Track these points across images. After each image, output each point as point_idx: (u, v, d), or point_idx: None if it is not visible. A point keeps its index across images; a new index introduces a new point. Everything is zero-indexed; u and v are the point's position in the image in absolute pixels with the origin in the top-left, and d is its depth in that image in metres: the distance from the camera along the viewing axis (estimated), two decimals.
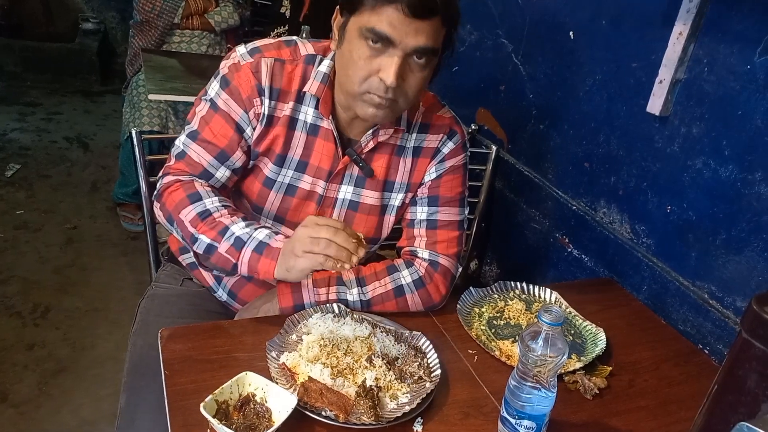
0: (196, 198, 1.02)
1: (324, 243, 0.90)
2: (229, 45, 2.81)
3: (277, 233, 1.00)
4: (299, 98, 1.06)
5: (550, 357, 0.80)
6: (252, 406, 0.85)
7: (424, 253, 1.14)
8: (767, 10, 1.06)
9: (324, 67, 1.05)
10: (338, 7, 0.98)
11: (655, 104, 1.25)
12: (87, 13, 4.53)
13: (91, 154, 3.38)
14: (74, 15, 4.51)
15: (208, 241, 0.99)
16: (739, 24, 1.11)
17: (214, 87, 1.05)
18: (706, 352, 1.18)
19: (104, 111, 3.98)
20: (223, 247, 0.99)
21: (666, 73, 1.21)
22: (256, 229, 1.00)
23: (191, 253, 1.11)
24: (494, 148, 1.81)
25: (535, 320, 1.17)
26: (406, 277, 1.11)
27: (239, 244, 0.98)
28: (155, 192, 1.09)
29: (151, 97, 2.03)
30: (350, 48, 0.95)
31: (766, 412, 0.66)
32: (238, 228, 0.99)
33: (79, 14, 4.51)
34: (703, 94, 1.19)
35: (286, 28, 2.89)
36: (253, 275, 0.99)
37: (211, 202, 1.02)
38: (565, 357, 0.81)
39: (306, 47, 1.07)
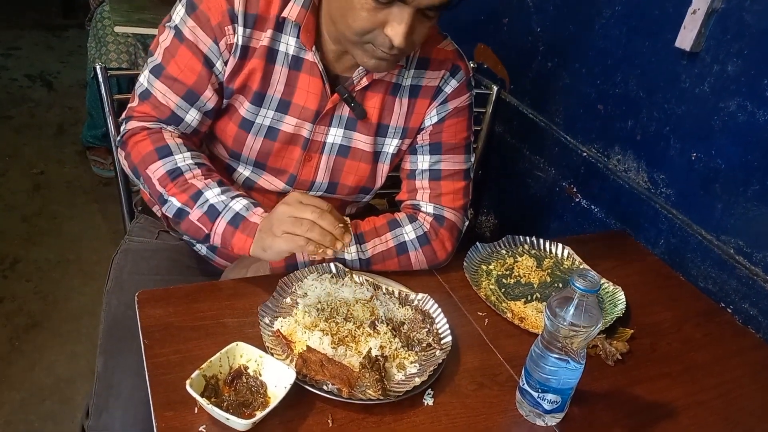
0: (165, 152, 0.92)
1: (307, 225, 0.82)
2: None
3: (256, 205, 0.91)
4: (278, 26, 0.92)
5: (583, 327, 0.71)
6: (245, 380, 0.77)
7: (427, 207, 1.04)
8: None
9: None
10: None
11: (685, 38, 1.12)
12: None
13: (55, 93, 3.18)
14: None
15: (178, 205, 0.91)
16: None
17: (179, 12, 0.92)
18: (729, 311, 1.11)
19: (68, 47, 3.73)
20: (195, 214, 0.90)
21: (701, 1, 1.08)
22: (232, 198, 0.91)
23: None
24: (495, 88, 1.70)
25: (548, 278, 1.10)
26: (409, 233, 1.01)
27: (213, 213, 0.89)
28: (118, 138, 0.99)
29: (118, 29, 1.90)
30: None
31: None
32: (213, 194, 0.90)
33: None
34: (742, 25, 1.06)
35: None
36: (226, 248, 0.90)
37: (183, 158, 0.92)
38: (598, 327, 0.72)
39: None
